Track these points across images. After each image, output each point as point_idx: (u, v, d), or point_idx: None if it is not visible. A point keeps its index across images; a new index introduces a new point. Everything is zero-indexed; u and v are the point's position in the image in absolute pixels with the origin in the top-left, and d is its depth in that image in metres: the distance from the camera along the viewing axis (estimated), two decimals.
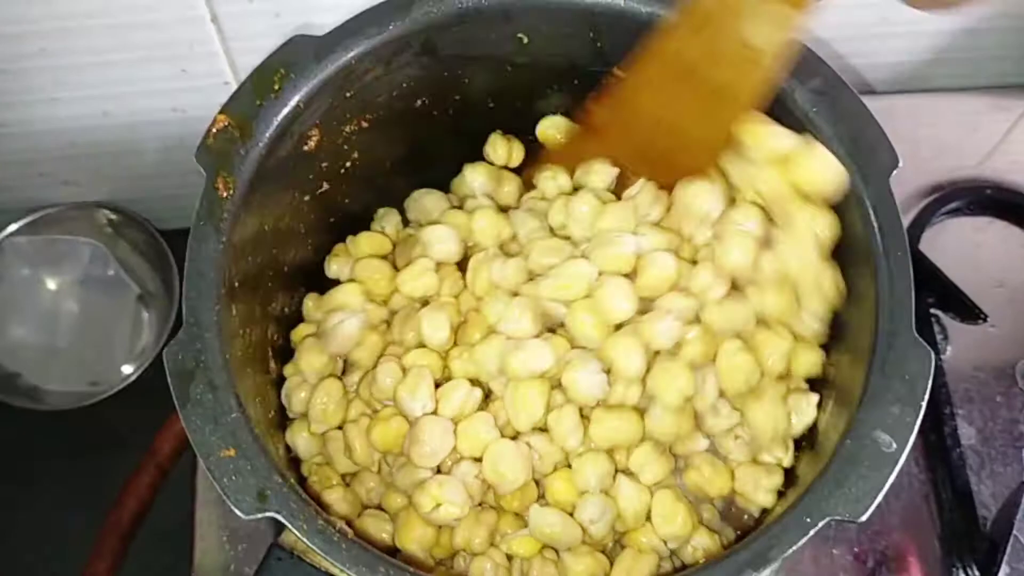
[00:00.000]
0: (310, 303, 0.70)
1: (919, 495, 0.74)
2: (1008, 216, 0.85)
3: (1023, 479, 0.74)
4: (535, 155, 0.73)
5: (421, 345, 0.66)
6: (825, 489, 0.51)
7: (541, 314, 0.63)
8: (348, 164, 0.69)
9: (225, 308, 0.56)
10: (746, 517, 0.64)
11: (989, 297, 0.80)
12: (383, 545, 0.60)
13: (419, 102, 0.69)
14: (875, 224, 0.57)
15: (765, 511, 0.62)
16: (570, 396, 0.62)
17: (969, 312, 0.79)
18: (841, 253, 0.61)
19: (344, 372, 0.67)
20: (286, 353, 0.69)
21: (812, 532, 0.50)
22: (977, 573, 0.71)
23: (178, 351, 0.53)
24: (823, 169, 0.58)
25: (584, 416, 0.63)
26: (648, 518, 0.61)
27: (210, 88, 0.82)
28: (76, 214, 0.95)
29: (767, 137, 0.60)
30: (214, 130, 0.58)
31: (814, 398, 0.62)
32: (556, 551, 0.61)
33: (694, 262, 0.64)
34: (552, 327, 0.65)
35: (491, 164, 0.73)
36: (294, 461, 0.66)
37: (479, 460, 0.62)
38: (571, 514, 0.61)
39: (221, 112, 0.59)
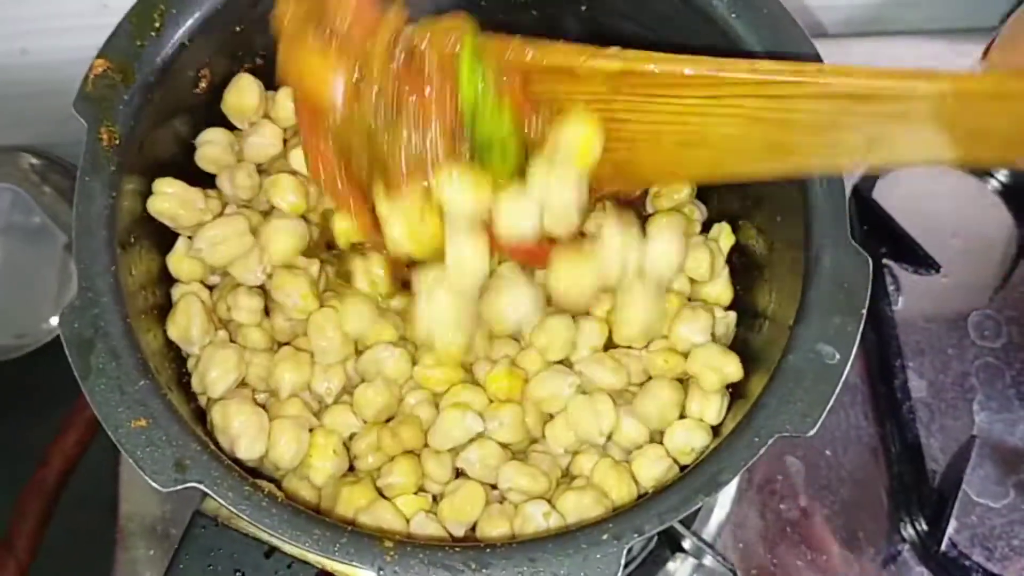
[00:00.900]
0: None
1: (868, 448, 0.74)
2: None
3: (973, 433, 0.73)
4: None
5: None
6: (771, 405, 0.50)
7: None
8: None
9: (121, 268, 0.51)
10: None
11: (943, 247, 0.78)
12: (312, 505, 0.57)
13: None
14: None
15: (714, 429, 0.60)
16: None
17: (922, 262, 0.78)
18: None
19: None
20: None
21: (762, 451, 0.48)
22: (925, 527, 0.70)
23: (73, 319, 0.49)
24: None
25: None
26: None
27: None
28: None
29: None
30: (92, 76, 0.53)
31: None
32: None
33: None
34: None
35: None
36: None
37: None
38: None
39: (99, 56, 0.54)
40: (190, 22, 0.56)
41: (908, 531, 0.71)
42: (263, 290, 0.60)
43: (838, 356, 0.50)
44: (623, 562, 0.46)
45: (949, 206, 0.82)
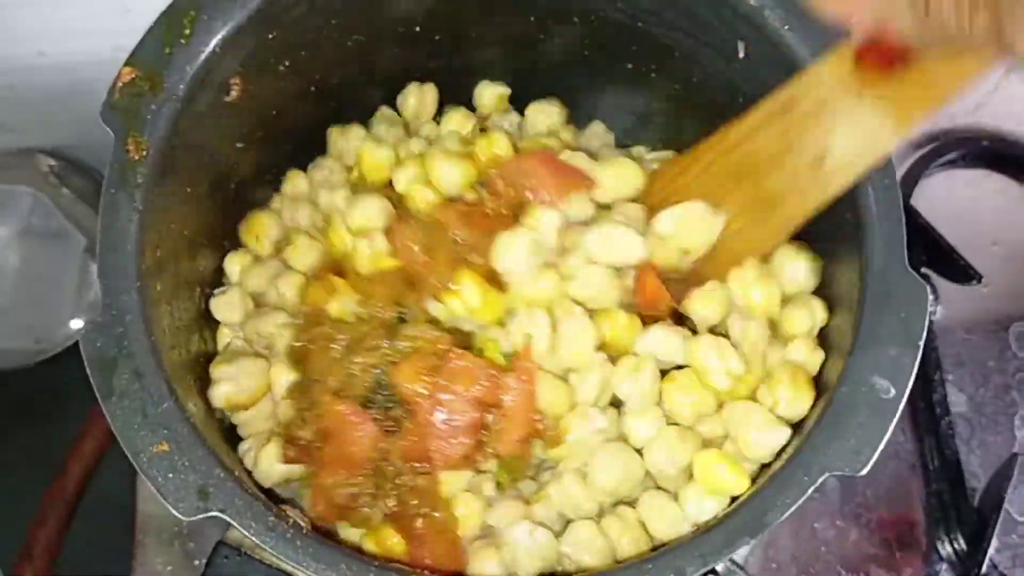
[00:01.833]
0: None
1: (906, 465, 0.72)
2: (1005, 169, 0.81)
3: (1015, 450, 0.71)
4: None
5: None
6: (822, 440, 0.48)
7: None
8: (275, 113, 0.63)
9: (147, 284, 0.50)
10: None
11: (983, 256, 0.76)
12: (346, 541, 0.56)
13: (350, 41, 0.62)
14: None
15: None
16: None
17: (962, 272, 0.76)
18: None
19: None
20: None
21: (811, 490, 0.47)
22: (964, 546, 0.68)
23: (96, 337, 0.48)
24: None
25: None
26: None
27: None
28: (14, 161, 0.89)
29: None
30: (120, 84, 0.52)
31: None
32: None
33: None
34: None
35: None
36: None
37: None
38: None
39: (126, 64, 0.53)
40: (224, 30, 0.54)
41: (947, 550, 0.69)
42: None
43: (893, 391, 0.48)
44: None
45: (990, 213, 0.80)
